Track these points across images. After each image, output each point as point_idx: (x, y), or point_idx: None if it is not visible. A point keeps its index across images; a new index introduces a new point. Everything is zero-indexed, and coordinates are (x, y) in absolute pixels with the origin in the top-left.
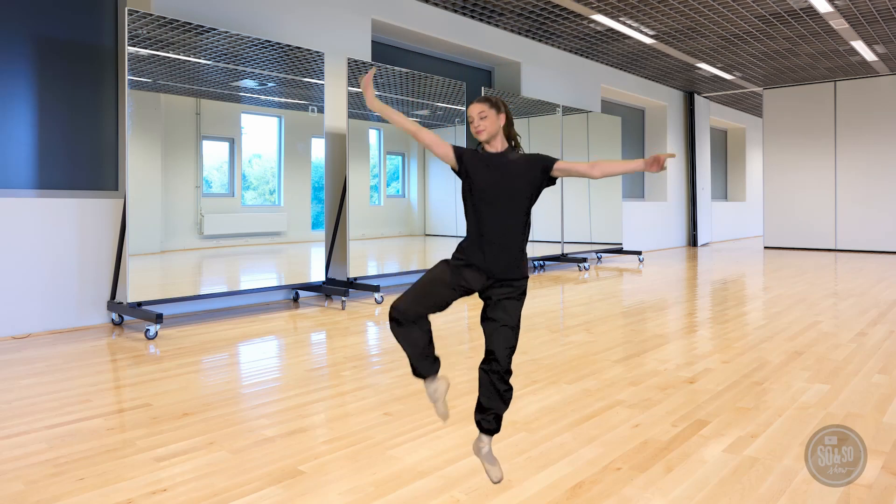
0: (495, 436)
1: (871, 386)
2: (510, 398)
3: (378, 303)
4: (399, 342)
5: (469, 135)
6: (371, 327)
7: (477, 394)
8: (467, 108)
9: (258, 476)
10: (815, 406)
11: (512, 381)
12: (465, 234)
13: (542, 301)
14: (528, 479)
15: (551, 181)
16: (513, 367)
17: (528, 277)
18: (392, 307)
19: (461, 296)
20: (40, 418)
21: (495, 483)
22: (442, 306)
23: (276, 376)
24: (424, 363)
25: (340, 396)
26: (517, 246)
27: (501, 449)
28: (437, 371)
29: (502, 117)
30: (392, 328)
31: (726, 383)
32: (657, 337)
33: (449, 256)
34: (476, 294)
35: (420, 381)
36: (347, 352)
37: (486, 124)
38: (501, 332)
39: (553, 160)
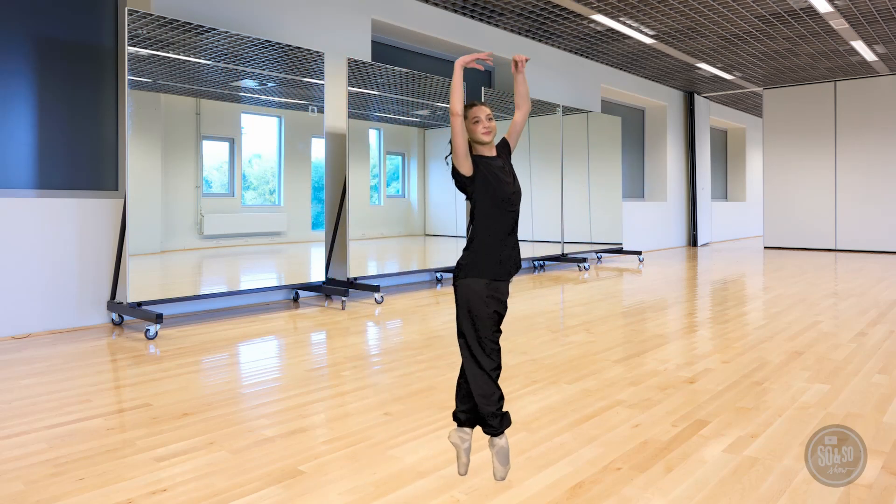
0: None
1: (871, 386)
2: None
3: (378, 303)
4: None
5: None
6: (371, 327)
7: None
8: (469, 108)
9: (258, 476)
10: (815, 406)
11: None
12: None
13: (542, 301)
14: (528, 479)
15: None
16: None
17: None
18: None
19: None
20: (40, 418)
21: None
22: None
23: (276, 376)
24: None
25: (340, 396)
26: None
27: None
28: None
29: None
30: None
31: (726, 383)
32: (657, 337)
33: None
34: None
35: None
36: (347, 352)
37: (493, 126)
38: None
39: (508, 142)
